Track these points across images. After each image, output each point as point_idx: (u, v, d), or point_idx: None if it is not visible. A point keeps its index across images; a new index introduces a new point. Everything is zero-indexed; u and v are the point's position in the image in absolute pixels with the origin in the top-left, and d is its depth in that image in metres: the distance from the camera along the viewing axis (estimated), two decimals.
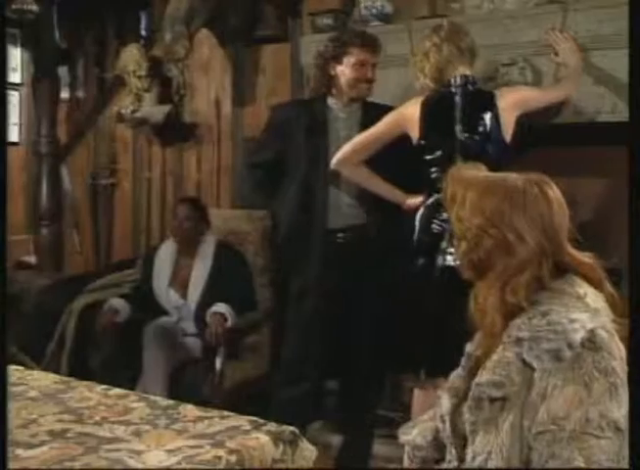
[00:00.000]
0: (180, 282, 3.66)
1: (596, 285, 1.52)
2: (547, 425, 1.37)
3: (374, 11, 3.52)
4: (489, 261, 1.50)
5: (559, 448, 1.36)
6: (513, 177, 1.55)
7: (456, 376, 1.63)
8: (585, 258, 1.53)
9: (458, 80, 2.75)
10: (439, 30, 2.82)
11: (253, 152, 3.34)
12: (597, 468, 1.34)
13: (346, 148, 2.92)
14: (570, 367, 1.39)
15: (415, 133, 2.78)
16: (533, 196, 1.50)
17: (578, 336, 1.39)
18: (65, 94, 4.94)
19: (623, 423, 1.38)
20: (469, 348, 1.65)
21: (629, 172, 1.55)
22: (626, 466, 1.36)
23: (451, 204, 1.56)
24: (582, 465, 1.34)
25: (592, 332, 1.40)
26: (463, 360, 1.64)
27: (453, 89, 2.75)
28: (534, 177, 1.55)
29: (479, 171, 1.61)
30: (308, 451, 1.95)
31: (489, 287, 1.48)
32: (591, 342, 1.39)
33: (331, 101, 3.10)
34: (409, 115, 2.80)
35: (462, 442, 1.51)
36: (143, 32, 4.71)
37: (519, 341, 1.45)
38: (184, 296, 3.63)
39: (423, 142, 2.77)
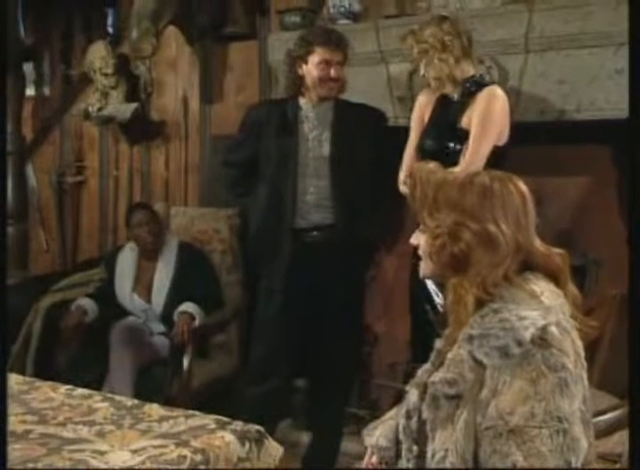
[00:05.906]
0: (144, 286, 3.62)
1: (559, 282, 1.53)
2: (495, 420, 1.39)
3: (342, 9, 3.51)
4: (469, 256, 1.49)
5: (499, 444, 1.37)
6: (483, 174, 1.56)
7: (424, 371, 1.63)
8: (553, 251, 1.54)
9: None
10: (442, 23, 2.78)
11: (229, 151, 3.31)
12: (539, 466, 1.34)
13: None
14: (518, 364, 1.40)
15: None
16: (509, 190, 1.52)
17: (528, 333, 1.40)
18: (30, 91, 4.88)
19: (575, 417, 1.39)
20: (438, 344, 1.65)
21: (630, 173, 1.56)
22: (574, 458, 1.37)
23: (422, 203, 1.56)
24: (520, 460, 1.35)
25: (543, 329, 1.41)
26: (432, 356, 1.65)
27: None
28: (503, 174, 1.57)
29: (443, 170, 1.61)
30: (274, 450, 1.95)
31: (469, 281, 1.48)
32: (542, 339, 1.40)
33: (302, 101, 3.08)
34: None
35: (425, 438, 1.52)
36: (110, 29, 4.67)
37: (470, 338, 1.46)
38: (148, 300, 3.60)
39: None
